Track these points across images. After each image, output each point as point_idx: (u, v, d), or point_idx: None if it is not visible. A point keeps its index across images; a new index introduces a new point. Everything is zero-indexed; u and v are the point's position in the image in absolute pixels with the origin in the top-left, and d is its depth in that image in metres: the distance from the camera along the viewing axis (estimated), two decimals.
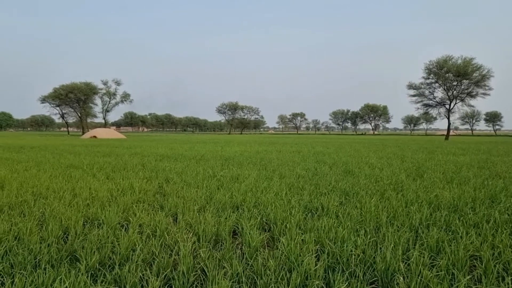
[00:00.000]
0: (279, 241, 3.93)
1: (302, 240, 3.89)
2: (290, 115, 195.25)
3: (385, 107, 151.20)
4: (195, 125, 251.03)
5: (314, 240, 3.89)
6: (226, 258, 3.46)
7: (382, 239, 4.00)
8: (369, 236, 3.97)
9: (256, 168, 10.75)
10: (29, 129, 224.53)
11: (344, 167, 11.13)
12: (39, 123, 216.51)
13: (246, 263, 3.40)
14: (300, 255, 3.40)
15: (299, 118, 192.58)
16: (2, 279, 2.96)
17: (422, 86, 58.35)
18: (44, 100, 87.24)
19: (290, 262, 3.31)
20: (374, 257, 3.44)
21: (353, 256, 3.43)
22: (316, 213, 5.16)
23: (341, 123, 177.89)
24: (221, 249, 3.82)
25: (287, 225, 4.46)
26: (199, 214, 5.04)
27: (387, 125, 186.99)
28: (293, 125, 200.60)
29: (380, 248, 3.66)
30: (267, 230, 4.57)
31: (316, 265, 3.26)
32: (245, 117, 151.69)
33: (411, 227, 4.49)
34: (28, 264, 3.18)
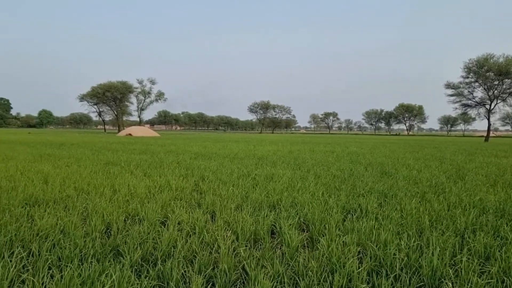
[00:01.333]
0: (319, 242, 3.87)
1: (343, 242, 3.81)
2: (322, 115, 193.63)
3: (420, 107, 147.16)
4: (227, 124, 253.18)
5: (355, 242, 3.81)
6: (266, 257, 3.43)
7: (426, 243, 3.87)
8: (412, 240, 3.85)
9: (290, 167, 10.69)
10: (68, 126, 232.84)
11: (380, 168, 10.90)
12: (78, 121, 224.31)
13: (286, 263, 3.37)
14: (342, 257, 3.33)
15: (331, 117, 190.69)
16: (51, 271, 3.05)
17: (461, 85, 56.21)
18: (82, 98, 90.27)
19: (331, 263, 3.25)
20: (419, 261, 3.32)
21: (397, 260, 3.33)
22: (354, 215, 5.06)
23: (374, 123, 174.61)
24: (260, 248, 3.80)
25: (326, 225, 4.39)
26: (236, 212, 5.05)
27: (423, 126, 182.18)
28: (325, 125, 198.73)
29: (425, 253, 3.54)
30: (305, 231, 4.52)
31: (359, 267, 3.19)
32: (277, 116, 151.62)
33: (456, 232, 4.33)
34: (75, 258, 3.27)
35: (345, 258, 3.33)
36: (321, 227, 4.36)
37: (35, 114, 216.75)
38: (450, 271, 3.12)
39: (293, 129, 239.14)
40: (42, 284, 2.80)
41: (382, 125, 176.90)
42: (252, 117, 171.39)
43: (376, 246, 3.64)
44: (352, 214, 5.09)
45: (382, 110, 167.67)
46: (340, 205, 5.56)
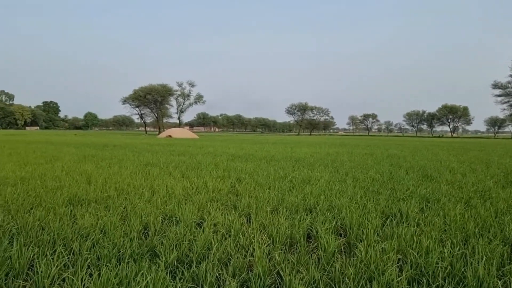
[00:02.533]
0: (356, 248, 3.76)
1: (382, 248, 3.68)
2: (361, 116, 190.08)
3: (465, 108, 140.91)
4: (264, 125, 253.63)
5: (395, 248, 3.67)
6: (301, 262, 3.37)
7: (472, 251, 3.67)
8: (457, 248, 3.65)
9: (328, 170, 10.52)
10: (111, 128, 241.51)
11: (422, 171, 10.52)
12: (120, 123, 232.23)
13: (322, 268, 3.28)
14: (380, 264, 3.21)
15: (370, 119, 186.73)
16: (90, 270, 3.12)
17: (510, 85, 53.45)
18: (125, 101, 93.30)
19: (370, 271, 3.14)
20: (463, 271, 3.15)
21: (440, 269, 3.16)
22: (394, 220, 4.88)
23: (415, 124, 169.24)
24: (296, 252, 3.73)
25: (364, 230, 4.26)
26: (272, 215, 5.00)
27: (468, 127, 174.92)
28: (364, 127, 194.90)
29: (470, 262, 3.35)
30: (342, 235, 4.41)
31: (399, 276, 3.06)
32: (315, 118, 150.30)
33: (504, 240, 4.08)
34: (113, 257, 3.34)
35: (384, 265, 3.20)
36: (359, 232, 4.24)
37: (81, 116, 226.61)
38: (499, 282, 2.93)
39: (331, 131, 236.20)
40: (81, 282, 2.87)
41: (424, 126, 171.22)
42: (289, 118, 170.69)
43: (417, 254, 3.48)
44: (391, 219, 4.91)
45: (424, 111, 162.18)
46: (379, 209, 5.40)
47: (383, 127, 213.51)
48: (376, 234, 4.23)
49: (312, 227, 4.49)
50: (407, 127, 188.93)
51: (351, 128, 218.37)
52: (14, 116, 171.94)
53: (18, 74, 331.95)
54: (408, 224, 4.64)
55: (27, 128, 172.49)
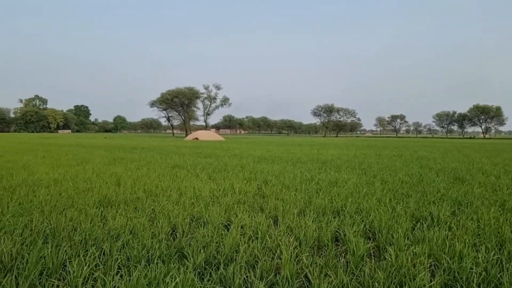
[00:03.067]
0: (386, 251, 3.68)
1: (413, 252, 3.59)
2: (388, 117, 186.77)
3: (498, 108, 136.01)
4: (290, 127, 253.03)
5: (426, 253, 3.57)
6: (329, 265, 3.32)
7: (508, 256, 3.53)
8: (492, 253, 3.52)
9: (355, 172, 10.38)
10: (139, 131, 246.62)
11: (453, 173, 10.22)
12: (148, 126, 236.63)
13: (351, 272, 3.23)
14: (411, 269, 3.13)
15: (398, 120, 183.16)
16: (120, 271, 3.18)
17: None
18: (152, 104, 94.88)
19: (400, 275, 3.07)
20: (499, 277, 3.03)
21: (474, 274, 3.06)
22: (425, 223, 4.76)
23: (446, 125, 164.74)
24: (323, 255, 3.69)
25: (394, 234, 4.17)
26: (299, 217, 4.96)
27: (501, 128, 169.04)
28: (392, 128, 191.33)
29: (507, 267, 3.22)
30: (371, 239, 4.33)
31: (431, 281, 2.97)
32: (341, 119, 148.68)
33: None
34: (142, 258, 3.39)
35: (416, 270, 3.12)
36: (389, 236, 4.16)
37: (111, 119, 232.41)
38: None
39: (358, 132, 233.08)
40: (112, 283, 2.92)
41: (455, 127, 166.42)
42: (315, 120, 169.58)
43: (450, 259, 3.38)
44: (422, 223, 4.78)
45: (454, 112, 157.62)
46: (409, 212, 5.27)
47: (412, 128, 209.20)
48: (406, 237, 4.13)
49: (340, 230, 4.43)
50: (437, 128, 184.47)
51: (378, 129, 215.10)
52: (47, 120, 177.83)
53: (50, 79, 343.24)
54: (439, 227, 4.51)
55: (60, 131, 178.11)
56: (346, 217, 5.00)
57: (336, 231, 4.44)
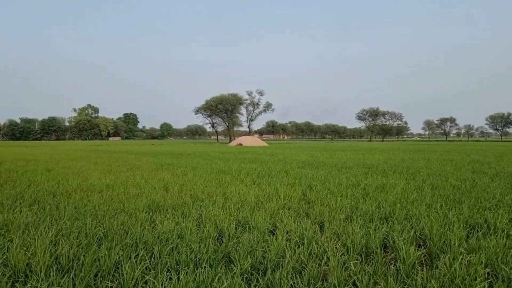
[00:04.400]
0: (439, 260, 3.53)
1: (468, 261, 3.42)
2: (437, 120, 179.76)
3: None
4: (334, 132, 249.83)
5: (483, 262, 3.38)
6: (378, 273, 3.23)
7: None
8: None
9: (403, 177, 10.05)
10: (185, 137, 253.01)
11: (510, 178, 9.65)
12: (194, 132, 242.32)
13: (402, 281, 3.12)
14: (467, 279, 2.98)
15: (448, 123, 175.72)
16: (169, 274, 3.26)
17: None
18: (197, 111, 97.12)
19: (455, 285, 2.93)
20: None
21: None
22: (480, 231, 4.52)
23: (500, 128, 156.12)
24: (372, 263, 3.59)
25: (446, 242, 3.99)
26: (345, 223, 4.87)
27: None
28: (441, 131, 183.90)
29: None
30: (422, 246, 4.16)
31: None
32: (387, 123, 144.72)
33: None
34: (190, 262, 3.46)
35: (471, 280, 2.97)
36: (441, 243, 3.98)
37: (158, 126, 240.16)
38: None
39: (405, 136, 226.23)
40: (162, 285, 3.00)
41: (510, 130, 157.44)
42: (360, 124, 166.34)
43: (510, 269, 3.19)
44: (477, 230, 4.55)
45: (510, 114, 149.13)
46: (462, 219, 5.03)
47: (463, 131, 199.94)
48: (460, 245, 3.95)
49: (388, 237, 4.30)
50: (490, 131, 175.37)
51: (426, 133, 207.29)
52: (99, 128, 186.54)
53: (101, 88, 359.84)
54: (496, 235, 4.27)
55: (110, 138, 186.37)
56: (395, 223, 4.85)
57: (385, 238, 4.32)
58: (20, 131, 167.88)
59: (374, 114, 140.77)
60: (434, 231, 4.31)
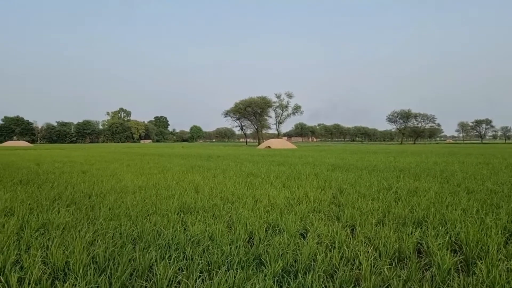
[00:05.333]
0: (476, 266, 3.42)
1: (507, 268, 3.29)
2: (472, 122, 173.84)
3: None
4: (364, 134, 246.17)
5: None
6: (413, 278, 3.16)
7: None
8: None
9: (436, 181, 9.79)
10: (214, 140, 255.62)
11: None
12: (223, 135, 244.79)
13: (437, 287, 3.05)
14: (506, 286, 2.87)
15: (483, 125, 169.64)
16: (202, 275, 3.30)
17: None
18: (226, 114, 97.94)
19: None
20: None
21: None
22: None
23: None
24: (405, 268, 3.52)
25: (483, 247, 3.86)
26: (377, 227, 4.79)
27: None
28: (476, 134, 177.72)
29: None
30: (458, 252, 4.04)
31: None
32: (419, 125, 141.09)
33: None
34: (222, 264, 3.49)
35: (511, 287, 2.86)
36: (478, 249, 3.86)
37: (187, 129, 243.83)
38: None
39: (437, 138, 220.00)
40: (194, 286, 3.04)
41: None
42: (391, 127, 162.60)
43: None
44: None
45: None
46: (501, 224, 4.84)
47: (499, 133, 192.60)
48: (498, 252, 3.81)
49: (422, 242, 4.20)
50: None
51: (461, 135, 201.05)
52: (131, 131, 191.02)
53: (133, 92, 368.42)
54: None
55: (141, 141, 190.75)
56: (429, 228, 4.73)
57: (418, 243, 4.22)
58: (57, 134, 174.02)
59: (406, 116, 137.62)
60: (470, 236, 4.18)
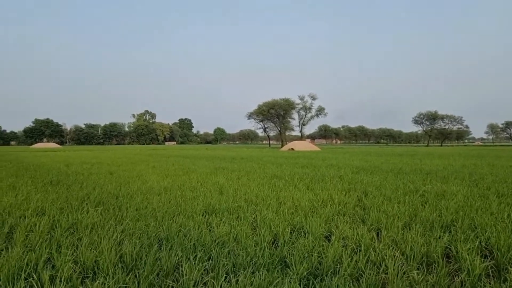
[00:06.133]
0: (508, 272, 3.32)
1: None
2: (502, 124, 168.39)
3: None
4: (389, 136, 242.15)
5: None
6: (441, 284, 3.10)
7: None
8: None
9: (465, 184, 9.54)
10: (237, 142, 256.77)
11: None
12: (246, 137, 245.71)
13: None
14: None
15: None
16: (228, 276, 3.32)
17: None
18: (250, 116, 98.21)
19: None
20: None
21: None
22: None
23: None
24: (433, 273, 3.45)
25: None
26: (404, 231, 4.71)
27: None
28: (507, 136, 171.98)
29: None
30: (488, 257, 3.93)
31: None
32: (446, 127, 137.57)
33: None
34: (247, 266, 3.51)
35: None
36: (509, 255, 3.74)
37: (211, 131, 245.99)
38: None
39: (466, 141, 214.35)
40: (221, 287, 3.06)
41: None
42: (417, 128, 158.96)
43: None
44: None
45: None
46: None
47: None
48: None
49: (451, 246, 4.11)
50: None
51: (490, 137, 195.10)
52: (156, 133, 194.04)
53: (158, 94, 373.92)
54: None
55: (166, 143, 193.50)
56: (458, 232, 4.62)
57: (447, 247, 4.13)
58: (85, 136, 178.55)
59: (432, 117, 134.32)
60: (501, 241, 4.06)
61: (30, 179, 10.79)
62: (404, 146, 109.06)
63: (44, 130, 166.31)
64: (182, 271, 3.33)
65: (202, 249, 4.03)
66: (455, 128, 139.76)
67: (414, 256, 3.77)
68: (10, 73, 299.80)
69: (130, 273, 3.33)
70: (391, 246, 4.18)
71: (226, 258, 3.72)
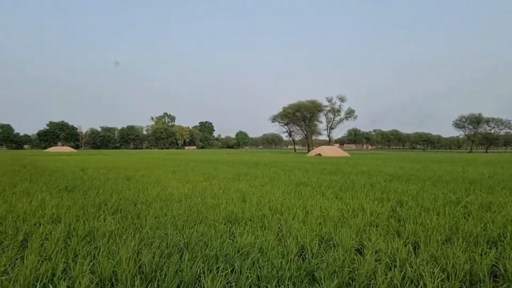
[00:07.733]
0: None
1: None
2: None
3: None
4: (426, 141, 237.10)
5: None
6: None
7: None
8: None
9: None
10: (260, 146, 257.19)
11: None
12: (270, 141, 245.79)
13: None
14: None
15: None
16: None
17: None
18: (274, 119, 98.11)
19: None
20: None
21: None
22: None
23: None
24: None
25: None
26: (444, 246, 4.57)
27: None
28: None
29: None
30: None
31: None
32: (492, 131, 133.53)
33: None
34: (272, 279, 3.47)
35: None
36: None
37: (233, 135, 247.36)
38: None
39: None
40: None
41: None
42: (458, 133, 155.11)
43: None
44: None
45: None
46: None
47: None
48: None
49: (498, 264, 3.96)
50: None
51: None
52: (175, 136, 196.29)
53: (177, 96, 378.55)
54: None
55: (186, 147, 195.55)
56: (506, 248, 4.45)
57: (494, 265, 3.99)
58: (101, 139, 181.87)
59: (476, 121, 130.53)
60: None
61: (45, 184, 11.04)
62: (443, 152, 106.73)
63: (58, 133, 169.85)
64: (204, 283, 3.32)
65: (224, 259, 4.02)
66: (502, 132, 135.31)
67: (456, 274, 3.65)
68: (23, 75, 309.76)
69: (149, 285, 3.34)
70: (430, 261, 4.06)
71: (250, 270, 3.69)
